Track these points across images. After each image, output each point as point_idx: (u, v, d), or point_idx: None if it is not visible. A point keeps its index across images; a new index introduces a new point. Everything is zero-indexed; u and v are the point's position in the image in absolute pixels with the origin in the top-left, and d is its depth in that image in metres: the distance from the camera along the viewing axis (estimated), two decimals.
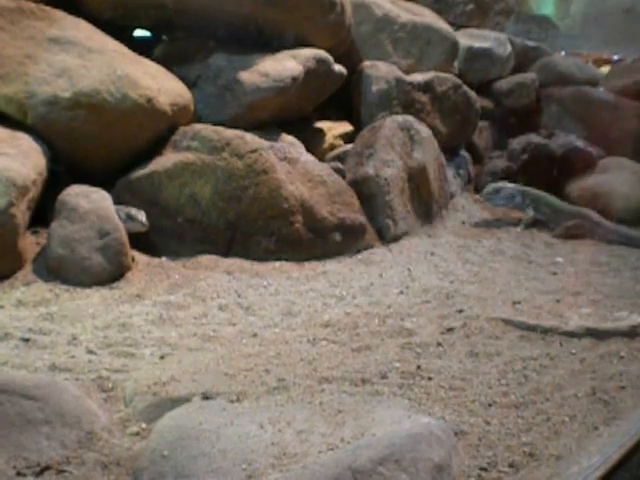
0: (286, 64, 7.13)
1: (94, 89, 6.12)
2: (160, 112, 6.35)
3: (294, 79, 7.11)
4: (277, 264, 6.44)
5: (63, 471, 3.41)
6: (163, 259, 6.20)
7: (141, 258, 6.13)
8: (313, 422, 3.48)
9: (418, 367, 4.49)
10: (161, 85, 6.42)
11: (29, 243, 5.88)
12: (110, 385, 4.20)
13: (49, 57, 6.17)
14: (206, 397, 3.93)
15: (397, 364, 4.53)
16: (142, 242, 6.18)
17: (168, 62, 6.92)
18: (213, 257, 6.35)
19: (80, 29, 6.43)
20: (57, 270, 5.67)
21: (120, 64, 6.30)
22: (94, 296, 5.55)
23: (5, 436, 3.56)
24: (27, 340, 4.72)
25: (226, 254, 6.35)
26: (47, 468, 3.43)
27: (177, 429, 3.45)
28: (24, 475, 3.39)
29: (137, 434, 3.76)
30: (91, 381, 4.22)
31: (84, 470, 3.45)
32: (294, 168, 6.68)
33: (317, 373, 4.32)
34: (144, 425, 3.81)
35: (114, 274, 5.75)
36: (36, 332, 4.85)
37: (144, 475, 3.28)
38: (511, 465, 3.51)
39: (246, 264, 6.34)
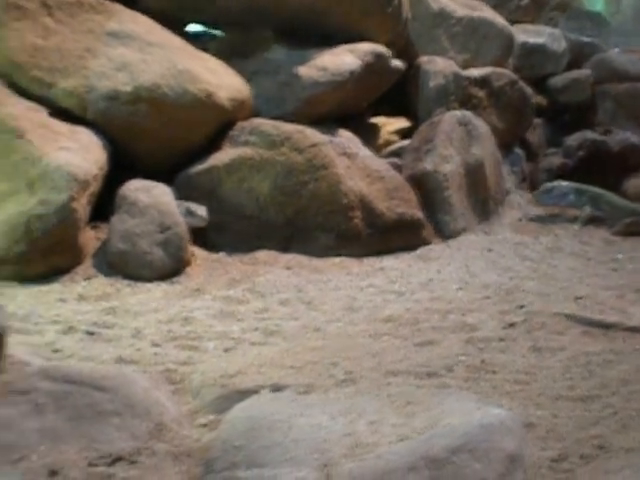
0: (344, 59, 7.14)
1: (154, 83, 6.16)
2: (219, 107, 6.38)
3: (352, 74, 7.12)
4: (336, 260, 6.44)
5: (135, 462, 3.43)
6: (221, 254, 6.23)
7: (199, 253, 6.17)
8: (383, 413, 3.48)
9: (482, 361, 4.47)
10: (220, 80, 6.46)
11: (89, 238, 5.93)
12: (177, 377, 4.22)
13: (109, 51, 6.22)
14: (275, 389, 3.94)
15: (461, 358, 4.52)
16: (200, 237, 6.21)
17: (225, 57, 6.94)
18: (271, 252, 6.37)
19: (139, 23, 6.47)
20: (118, 264, 5.72)
21: (180, 58, 6.34)
22: (155, 290, 5.59)
23: (76, 427, 3.58)
24: (92, 333, 4.76)
25: (284, 250, 6.36)
26: (119, 459, 3.44)
27: (248, 420, 3.47)
28: (96, 466, 3.40)
29: (206, 426, 3.77)
30: (158, 374, 4.24)
31: (155, 461, 3.46)
32: (353, 163, 6.68)
33: (383, 366, 4.32)
34: (212, 417, 3.82)
35: (174, 269, 5.79)
36: (100, 326, 4.89)
37: (217, 465, 3.29)
38: (582, 457, 3.49)
39: (305, 260, 6.36)
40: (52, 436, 3.52)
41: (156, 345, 4.65)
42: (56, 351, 4.46)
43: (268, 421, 3.39)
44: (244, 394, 3.86)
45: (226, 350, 4.62)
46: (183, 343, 4.71)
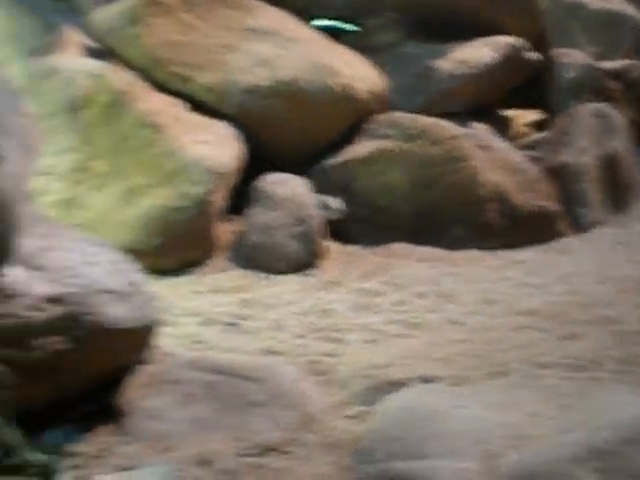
0: (480, 51, 7.04)
1: (293, 78, 6.14)
2: (356, 100, 6.34)
3: (488, 67, 7.00)
4: (470, 252, 6.33)
5: (285, 452, 3.39)
6: (355, 247, 6.18)
7: (333, 246, 6.12)
8: (539, 405, 3.40)
9: (633, 355, 4.32)
10: (357, 73, 6.42)
11: (224, 231, 5.93)
12: (322, 369, 4.19)
13: (247, 46, 6.23)
14: (424, 381, 3.87)
15: (610, 352, 4.39)
16: (334, 230, 6.16)
17: (360, 51, 6.88)
18: (405, 245, 6.29)
19: (276, 18, 6.48)
20: (253, 257, 5.71)
21: (318, 52, 6.32)
22: (290, 283, 5.57)
23: (225, 417, 3.57)
24: (232, 325, 4.76)
25: (418, 242, 6.29)
26: (269, 449, 3.41)
27: (403, 411, 3.42)
28: (247, 456, 3.37)
29: (355, 417, 3.73)
30: (303, 365, 4.20)
31: (306, 451, 3.43)
32: (489, 155, 6.57)
33: (531, 359, 4.23)
34: (361, 408, 3.78)
35: (308, 261, 5.77)
36: (238, 317, 4.89)
37: (372, 456, 3.25)
38: None
39: (439, 252, 6.26)
40: (202, 426, 3.51)
41: (298, 337, 4.62)
42: (199, 342, 4.46)
43: (424, 412, 3.33)
44: (393, 386, 3.82)
45: (369, 342, 4.58)
46: (324, 335, 4.67)
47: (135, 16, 6.25)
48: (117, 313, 3.42)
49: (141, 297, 3.56)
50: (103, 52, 6.45)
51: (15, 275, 3.20)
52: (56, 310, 3.27)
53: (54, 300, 3.27)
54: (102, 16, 6.39)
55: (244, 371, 3.77)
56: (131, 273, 3.60)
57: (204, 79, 6.14)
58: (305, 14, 7.01)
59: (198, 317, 4.82)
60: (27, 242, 3.28)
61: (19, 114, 3.37)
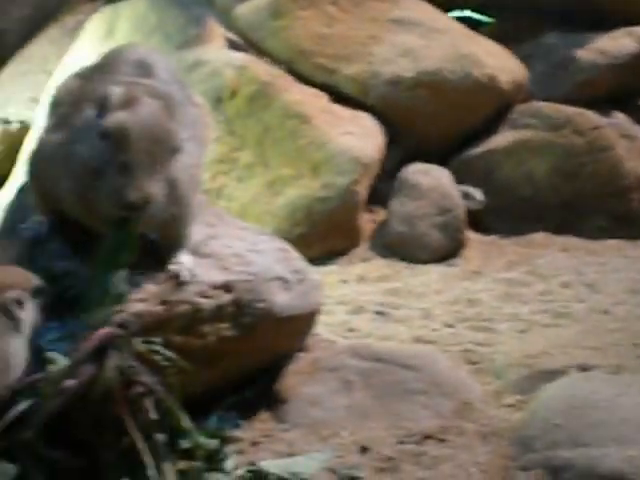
0: (622, 41, 6.88)
1: (437, 68, 6.12)
2: (499, 90, 6.28)
3: (629, 57, 6.84)
4: (611, 242, 6.21)
5: (444, 440, 3.39)
6: (495, 237, 6.13)
7: (474, 236, 6.08)
8: None
9: None
10: (500, 63, 6.35)
11: (365, 221, 5.95)
12: (476, 358, 4.18)
13: (392, 37, 6.22)
14: (582, 369, 3.83)
15: None
16: (475, 220, 6.12)
17: (499, 41, 6.80)
18: (546, 235, 6.21)
19: (421, 9, 6.45)
20: (396, 246, 5.72)
21: (462, 43, 6.28)
22: (433, 272, 5.55)
23: (384, 405, 3.59)
24: (382, 314, 4.77)
25: (558, 232, 6.20)
26: (428, 437, 3.41)
27: (565, 399, 3.40)
28: (406, 443, 3.38)
29: (512, 406, 3.71)
30: (456, 354, 4.19)
31: (464, 440, 3.42)
32: (632, 145, 6.44)
33: None
34: (519, 397, 3.76)
35: (451, 251, 5.75)
36: (387, 306, 4.91)
37: (535, 444, 3.23)
38: None
39: (579, 242, 6.17)
40: (360, 413, 3.54)
41: (448, 326, 4.62)
42: (351, 330, 4.49)
43: (585, 400, 3.31)
44: (551, 374, 3.79)
45: (519, 331, 4.56)
46: (474, 324, 4.66)
47: (279, 9, 6.30)
48: (284, 300, 3.46)
49: (305, 284, 3.59)
50: (245, 45, 6.52)
51: (187, 262, 3.26)
52: (225, 297, 3.32)
53: (224, 287, 3.32)
54: (245, 10, 6.45)
55: (401, 359, 3.78)
56: (295, 261, 3.64)
57: (348, 71, 6.16)
58: (445, 5, 6.97)
59: (347, 306, 4.85)
60: (196, 230, 3.34)
61: (191, 104, 3.43)
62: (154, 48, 3.84)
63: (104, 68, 3.33)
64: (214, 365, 3.33)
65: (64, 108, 3.30)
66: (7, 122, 6.39)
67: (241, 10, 6.47)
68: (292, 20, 6.28)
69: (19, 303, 2.76)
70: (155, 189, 2.87)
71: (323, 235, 5.54)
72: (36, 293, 2.80)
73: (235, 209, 5.50)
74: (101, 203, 2.91)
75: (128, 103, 2.94)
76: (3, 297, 2.73)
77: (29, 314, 2.79)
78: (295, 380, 3.63)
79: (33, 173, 3.29)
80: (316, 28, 6.27)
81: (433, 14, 6.57)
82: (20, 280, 2.79)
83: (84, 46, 6.40)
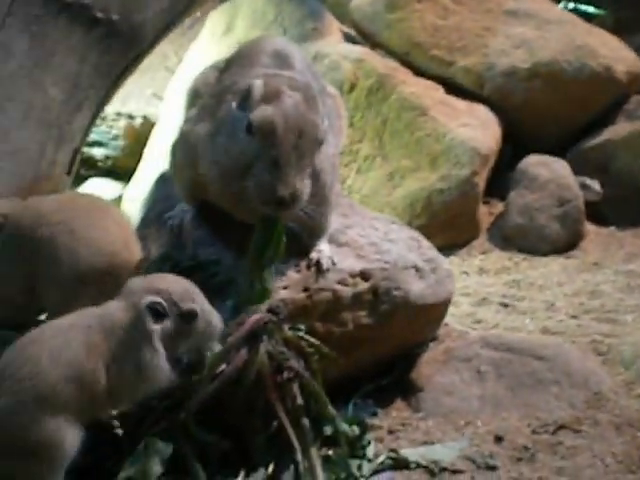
0: None
1: (553, 59, 6.05)
2: (616, 81, 6.18)
3: None
4: None
5: (578, 431, 3.34)
6: (613, 228, 6.02)
7: (591, 227, 5.98)
8: None
9: None
10: (616, 54, 6.25)
11: (483, 213, 5.90)
12: (604, 349, 4.10)
13: (507, 29, 6.16)
14: None
15: None
16: (591, 211, 6.02)
17: (613, 32, 6.69)
18: None
19: (534, 1, 6.38)
20: (515, 238, 5.67)
21: (577, 34, 6.20)
22: (552, 264, 5.48)
23: (516, 395, 3.56)
24: (506, 305, 4.73)
25: None
26: (562, 427, 3.37)
27: None
28: (540, 433, 3.34)
29: None
30: (585, 345, 4.13)
31: (598, 430, 3.37)
32: None
33: None
34: None
35: (569, 243, 5.68)
36: (510, 298, 4.85)
37: None
38: None
39: None
40: (493, 403, 3.52)
41: (574, 317, 4.55)
42: (478, 322, 4.46)
43: None
44: None
45: None
46: (598, 316, 4.57)
47: (394, 1, 6.29)
48: (419, 289, 3.45)
49: (438, 273, 3.58)
50: (360, 38, 6.52)
51: (326, 250, 3.27)
52: (363, 285, 3.32)
53: (362, 275, 3.33)
54: (360, 2, 6.46)
55: (532, 349, 3.74)
56: (427, 249, 3.63)
57: (464, 63, 6.12)
58: None
59: (470, 297, 4.82)
60: (333, 219, 3.35)
61: (326, 94, 3.44)
62: (289, 39, 3.82)
63: (242, 60, 3.35)
64: (351, 353, 3.32)
65: (204, 99, 3.33)
66: (131, 117, 6.51)
67: (356, 3, 6.48)
68: (407, 12, 6.27)
69: (156, 312, 2.70)
70: (303, 184, 2.89)
71: (443, 227, 5.51)
72: (187, 316, 2.73)
73: (355, 201, 5.49)
74: (249, 197, 2.92)
75: (271, 96, 2.95)
76: (139, 301, 2.69)
77: (168, 325, 2.72)
78: (429, 369, 3.62)
79: (177, 163, 3.32)
80: (431, 20, 6.24)
81: (546, 5, 6.52)
82: (167, 288, 2.72)
83: (204, 42, 6.48)
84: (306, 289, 3.20)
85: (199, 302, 2.72)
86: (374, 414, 3.39)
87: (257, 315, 2.80)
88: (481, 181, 5.66)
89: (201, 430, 2.76)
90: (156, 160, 5.88)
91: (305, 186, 2.89)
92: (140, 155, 6.36)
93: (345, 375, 3.32)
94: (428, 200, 5.55)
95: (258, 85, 2.97)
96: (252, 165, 2.89)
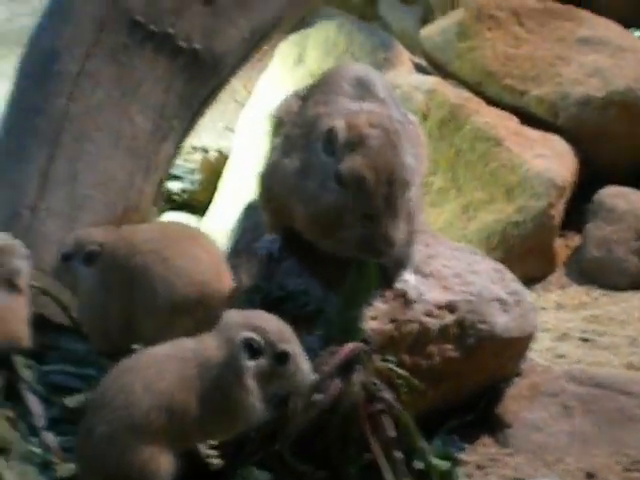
0: None
1: (627, 87, 6.09)
2: None
3: None
4: None
5: None
6: None
7: None
8: None
9: None
10: None
11: (560, 246, 5.92)
12: None
13: (580, 57, 6.21)
14: None
15: None
16: None
17: None
18: None
19: (607, 28, 6.42)
20: (592, 272, 5.68)
21: None
22: (633, 299, 5.49)
23: (606, 431, 3.57)
24: (587, 340, 4.74)
25: None
26: None
27: None
28: (631, 471, 3.35)
29: None
30: None
31: None
32: None
33: None
34: None
35: None
36: (591, 333, 4.87)
37: None
38: None
39: None
40: (582, 439, 3.53)
41: None
42: (560, 357, 4.48)
43: None
44: None
45: None
46: None
47: (465, 31, 6.36)
48: (504, 322, 3.48)
49: (522, 307, 3.60)
50: (430, 67, 6.61)
51: (412, 281, 3.33)
52: (449, 317, 3.37)
53: (448, 307, 3.37)
54: (430, 32, 6.54)
55: (619, 385, 3.74)
56: (511, 282, 3.65)
57: (537, 91, 6.16)
58: (630, 24, 6.92)
59: (550, 332, 4.83)
60: (416, 249, 3.40)
61: (407, 122, 3.49)
62: (369, 66, 3.89)
63: (324, 88, 3.42)
64: (437, 386, 3.35)
65: (288, 128, 3.40)
66: (205, 151, 6.64)
67: (427, 32, 6.56)
68: (479, 41, 6.33)
69: (251, 348, 2.73)
70: (398, 231, 2.96)
71: (519, 260, 5.53)
72: (281, 357, 2.76)
73: None
74: (342, 244, 3.00)
75: (356, 141, 2.99)
76: (235, 336, 2.74)
77: (262, 363, 2.74)
78: (515, 404, 3.64)
79: (264, 193, 3.40)
80: (503, 49, 6.30)
81: (619, 32, 6.53)
82: (263, 326, 2.76)
83: (275, 73, 6.60)
84: (393, 320, 3.24)
85: (293, 345, 2.77)
86: (461, 449, 3.41)
87: (351, 345, 2.86)
88: (557, 213, 5.68)
89: (296, 460, 2.82)
90: (233, 192, 6.01)
91: (400, 232, 2.96)
92: (215, 188, 6.51)
93: (430, 409, 3.35)
94: (504, 233, 5.59)
95: (341, 128, 3.02)
96: (343, 213, 2.97)
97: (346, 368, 2.85)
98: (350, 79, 3.35)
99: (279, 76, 6.53)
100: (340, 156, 2.99)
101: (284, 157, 3.27)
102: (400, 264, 3.30)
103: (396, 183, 2.95)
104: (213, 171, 6.68)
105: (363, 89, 3.32)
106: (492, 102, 6.23)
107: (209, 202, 6.41)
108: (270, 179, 3.34)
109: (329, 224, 3.01)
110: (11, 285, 3.16)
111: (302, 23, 6.69)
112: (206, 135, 6.49)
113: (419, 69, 6.61)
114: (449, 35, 6.42)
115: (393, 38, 6.77)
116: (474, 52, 6.32)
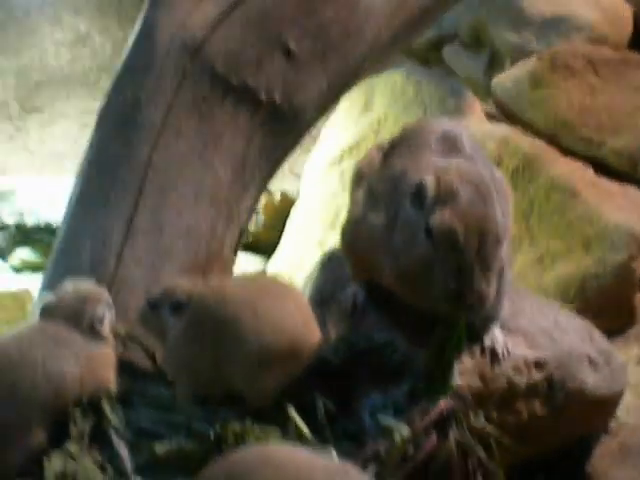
0: None
1: None
2: None
3: None
4: None
5: None
6: None
7: None
8: None
9: None
10: None
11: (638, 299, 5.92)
12: None
13: None
14: None
15: None
16: None
17: None
18: None
19: None
20: None
21: None
22: None
23: None
24: None
25: None
26: None
27: None
28: None
29: None
30: None
31: None
32: None
33: None
34: None
35: None
36: None
37: None
38: None
39: None
40: None
41: None
42: None
43: None
44: None
45: None
46: None
47: (538, 80, 6.39)
48: (593, 381, 3.52)
49: (611, 365, 3.65)
50: (502, 116, 6.67)
51: (499, 336, 3.38)
52: (537, 374, 3.41)
53: (536, 364, 3.41)
54: (503, 80, 6.60)
55: None
56: (599, 340, 3.70)
57: (615, 143, 6.18)
58: None
59: (633, 388, 4.82)
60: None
61: (494, 178, 3.55)
62: (455, 121, 3.97)
63: (409, 142, 3.49)
64: (523, 444, 3.37)
65: (372, 183, 3.48)
66: (270, 193, 6.78)
67: (499, 80, 6.62)
68: (553, 90, 6.37)
69: None
70: (490, 288, 2.99)
71: (596, 313, 5.48)
72: None
73: None
74: (430, 297, 3.04)
75: (446, 196, 3.04)
76: None
77: None
78: (604, 464, 3.67)
79: (348, 245, 3.48)
80: (578, 98, 6.33)
81: None
82: None
83: (340, 120, 6.68)
84: (481, 376, 3.30)
85: None
86: None
87: (446, 401, 2.91)
88: (638, 267, 5.69)
89: None
90: (300, 235, 6.15)
91: (492, 289, 3.00)
92: (278, 229, 6.65)
93: (516, 466, 3.40)
94: (582, 285, 5.58)
95: (431, 182, 3.07)
96: (433, 267, 3.00)
97: (442, 424, 2.89)
98: (436, 134, 3.42)
99: (345, 123, 6.62)
100: (430, 210, 3.04)
101: (369, 211, 3.35)
102: (489, 319, 3.35)
103: (488, 237, 2.99)
104: (277, 212, 6.83)
105: (450, 144, 3.38)
106: (567, 152, 6.25)
107: (272, 243, 6.54)
108: (355, 232, 3.41)
109: (418, 279, 3.06)
110: (95, 332, 3.24)
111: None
112: None
113: (489, 117, 6.67)
114: (522, 84, 6.46)
115: (462, 85, 6.83)
116: (548, 101, 6.35)
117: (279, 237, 6.62)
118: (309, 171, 6.70)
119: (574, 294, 5.53)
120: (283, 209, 6.78)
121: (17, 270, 6.95)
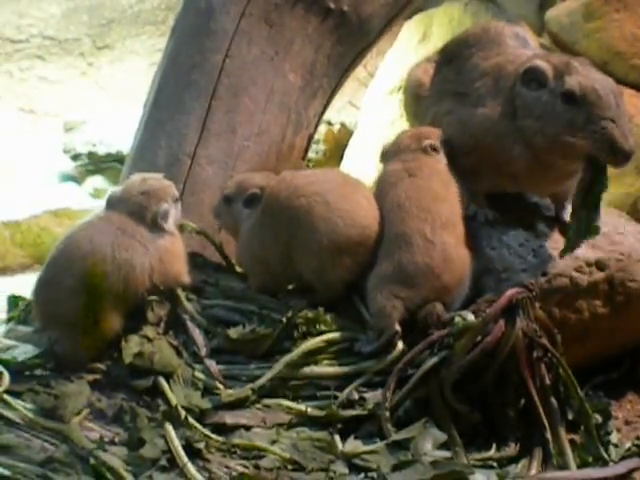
0: None
1: None
2: None
3: None
4: None
5: None
6: None
7: None
8: None
9: None
10: None
11: None
12: None
13: None
14: None
15: None
16: None
17: None
18: None
19: None
20: None
21: None
22: None
23: None
24: None
25: None
26: None
27: None
28: None
29: None
30: None
31: None
32: None
33: None
34: None
35: None
36: None
37: None
38: None
39: None
40: None
41: None
42: None
43: None
44: None
45: None
46: None
47: (592, 11, 6.24)
48: None
49: None
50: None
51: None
52: (598, 275, 3.30)
53: (597, 265, 3.30)
54: (556, 13, 6.44)
55: None
56: None
57: None
58: None
59: None
60: None
61: None
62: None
63: (481, 44, 3.42)
64: (584, 342, 3.30)
65: (456, 85, 3.42)
66: (330, 123, 6.81)
67: (553, 13, 6.47)
68: (606, 22, 6.21)
69: None
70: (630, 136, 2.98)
71: None
72: None
73: None
74: (573, 153, 3.04)
75: (564, 69, 3.05)
76: None
77: None
78: None
79: (466, 145, 3.35)
80: (631, 29, 6.17)
81: None
82: None
83: (400, 51, 6.59)
84: (544, 273, 3.20)
85: None
86: (609, 405, 3.33)
87: (514, 289, 2.80)
88: None
89: (456, 400, 2.79)
90: (358, 164, 6.06)
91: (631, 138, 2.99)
92: (337, 158, 6.64)
93: (578, 365, 3.28)
94: (634, 206, 5.47)
95: (542, 64, 3.09)
96: (575, 130, 2.99)
97: (509, 312, 2.79)
98: (509, 33, 3.45)
99: (403, 54, 6.53)
100: (557, 82, 3.04)
101: (477, 108, 3.26)
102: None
103: (618, 93, 3.04)
104: (336, 142, 6.88)
105: (522, 41, 3.43)
106: (619, 81, 6.05)
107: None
108: (469, 130, 3.30)
109: (562, 145, 3.03)
110: (159, 227, 3.16)
111: (428, 3, 6.67)
112: (330, 109, 6.63)
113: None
114: (575, 16, 6.31)
115: (519, 19, 6.66)
116: (601, 33, 6.20)
117: (338, 165, 6.58)
118: (367, 102, 6.62)
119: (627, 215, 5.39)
120: (342, 139, 6.80)
121: (92, 196, 6.95)
